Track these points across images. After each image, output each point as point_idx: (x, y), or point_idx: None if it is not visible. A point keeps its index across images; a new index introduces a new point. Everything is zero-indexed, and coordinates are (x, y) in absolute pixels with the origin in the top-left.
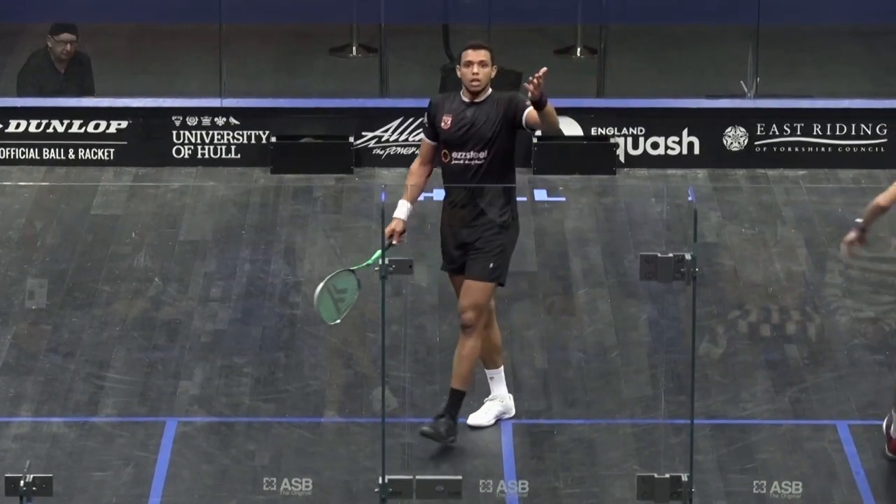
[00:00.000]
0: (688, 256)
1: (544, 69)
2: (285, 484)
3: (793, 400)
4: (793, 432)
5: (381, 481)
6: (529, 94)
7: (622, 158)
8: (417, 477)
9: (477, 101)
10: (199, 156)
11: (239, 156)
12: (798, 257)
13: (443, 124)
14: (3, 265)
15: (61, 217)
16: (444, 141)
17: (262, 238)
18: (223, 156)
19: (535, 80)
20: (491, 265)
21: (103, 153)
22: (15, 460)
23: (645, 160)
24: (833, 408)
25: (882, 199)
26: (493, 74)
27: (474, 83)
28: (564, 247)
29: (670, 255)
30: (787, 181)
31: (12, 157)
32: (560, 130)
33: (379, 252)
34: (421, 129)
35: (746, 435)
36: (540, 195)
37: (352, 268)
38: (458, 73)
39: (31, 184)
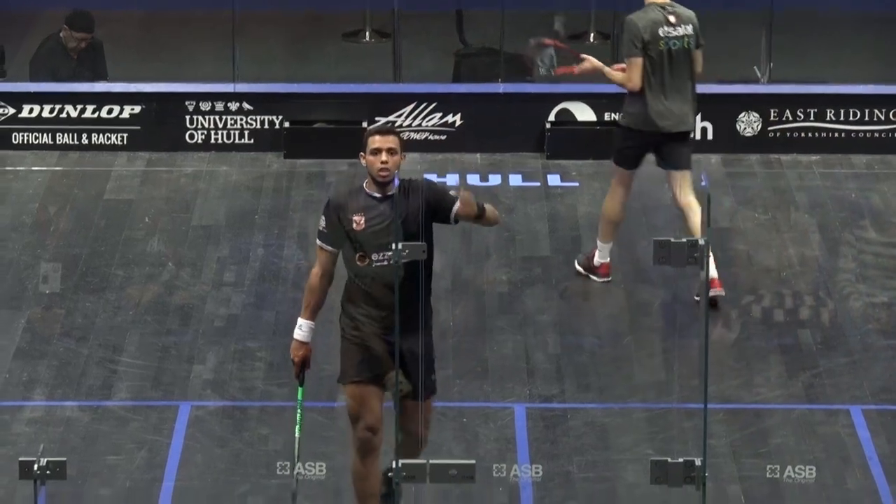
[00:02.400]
0: (701, 241)
1: (466, 192)
2: (299, 468)
3: (806, 385)
4: (806, 417)
5: (394, 465)
6: (462, 214)
7: None
8: (431, 461)
9: (388, 193)
10: (213, 141)
11: (252, 141)
12: (811, 242)
13: (354, 225)
14: (17, 250)
15: (75, 202)
16: (359, 243)
17: (275, 223)
18: (236, 141)
19: (464, 203)
20: (433, 377)
21: (116, 138)
22: (28, 444)
23: None
24: (846, 392)
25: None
26: (401, 162)
27: (382, 173)
28: (577, 231)
29: (683, 240)
30: (801, 166)
31: (26, 142)
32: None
33: (300, 392)
34: (318, 236)
35: (760, 419)
36: (553, 180)
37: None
38: (362, 161)
39: (45, 169)
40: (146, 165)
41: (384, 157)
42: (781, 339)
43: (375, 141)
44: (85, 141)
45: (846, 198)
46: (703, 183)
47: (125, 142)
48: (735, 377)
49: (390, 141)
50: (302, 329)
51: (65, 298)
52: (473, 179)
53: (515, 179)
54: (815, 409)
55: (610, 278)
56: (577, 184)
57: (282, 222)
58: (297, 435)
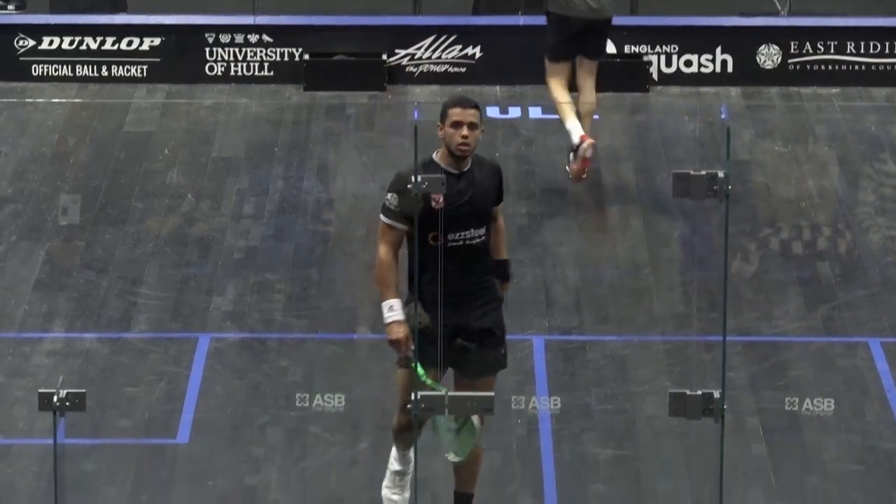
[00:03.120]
0: (720, 174)
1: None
2: (318, 400)
3: (825, 317)
4: (825, 350)
5: (413, 397)
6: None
7: (655, 76)
8: (450, 394)
9: (464, 169)
10: (232, 73)
11: (272, 73)
12: (830, 175)
13: (433, 203)
14: (37, 181)
15: (94, 134)
16: (431, 221)
17: (294, 155)
18: (256, 73)
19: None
20: (503, 350)
21: (136, 70)
22: (48, 376)
23: (678, 78)
24: (865, 325)
25: None
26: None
27: (462, 147)
28: (598, 164)
29: (703, 172)
30: (821, 99)
31: (45, 74)
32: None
33: (419, 367)
34: (385, 213)
35: (778, 352)
36: None
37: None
38: (440, 133)
39: (64, 101)
40: (166, 97)
41: (465, 131)
42: (800, 271)
43: (456, 114)
44: (105, 73)
45: (866, 130)
46: (723, 115)
47: (145, 74)
48: (754, 310)
49: (471, 115)
50: (394, 309)
51: (84, 230)
52: (493, 112)
53: (535, 112)
54: (834, 341)
55: (593, 141)
56: (597, 117)
57: (301, 154)
58: (476, 425)
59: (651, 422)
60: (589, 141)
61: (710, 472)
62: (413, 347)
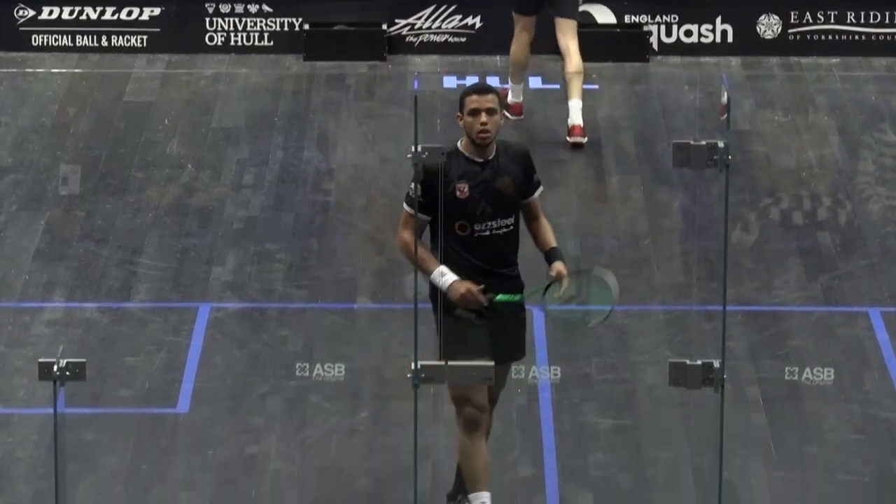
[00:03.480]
0: (720, 144)
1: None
2: (318, 369)
3: (825, 287)
4: (825, 319)
5: (413, 367)
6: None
7: (655, 46)
8: (450, 363)
9: (489, 157)
10: (232, 43)
11: (272, 43)
12: (831, 145)
13: (458, 193)
14: (37, 151)
15: (94, 104)
16: (461, 211)
17: (294, 125)
18: (256, 43)
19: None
20: (523, 338)
21: (136, 40)
22: (48, 345)
23: (678, 48)
24: (865, 295)
25: None
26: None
27: (482, 135)
28: (597, 134)
29: (703, 142)
30: (821, 69)
31: (46, 44)
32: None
33: (500, 296)
34: (408, 202)
35: (778, 322)
36: None
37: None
38: (460, 123)
39: (64, 70)
40: (166, 67)
41: (483, 118)
42: (800, 241)
43: (473, 101)
44: (105, 43)
45: (866, 100)
46: (724, 85)
47: (145, 44)
48: (754, 280)
49: (489, 100)
50: (445, 273)
51: (84, 200)
52: (493, 81)
53: (535, 82)
54: (834, 311)
55: (522, 117)
56: (596, 87)
57: (301, 124)
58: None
59: (651, 391)
60: (580, 138)
61: (710, 442)
62: (480, 297)
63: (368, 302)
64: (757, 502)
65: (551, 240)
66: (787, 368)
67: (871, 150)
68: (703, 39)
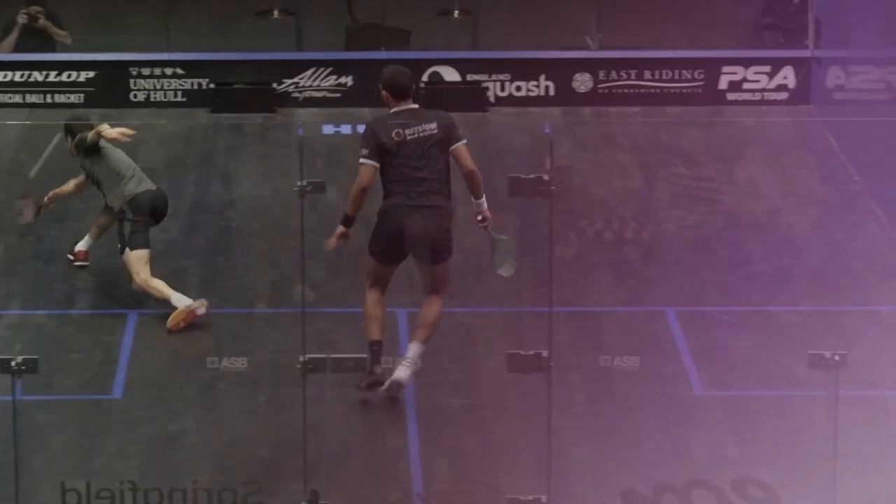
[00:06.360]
0: (545, 177)
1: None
2: (225, 362)
3: (630, 291)
4: (631, 317)
5: (301, 359)
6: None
7: (492, 99)
8: (331, 356)
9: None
10: (152, 99)
11: (185, 99)
12: (633, 177)
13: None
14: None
15: (42, 150)
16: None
17: (203, 165)
18: (171, 99)
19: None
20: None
21: (75, 97)
22: (6, 345)
23: (510, 100)
24: (662, 297)
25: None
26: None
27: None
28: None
29: (532, 176)
30: (625, 116)
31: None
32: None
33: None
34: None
35: (594, 319)
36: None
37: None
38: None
39: (16, 123)
40: (98, 119)
41: None
42: (610, 254)
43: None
44: (49, 100)
45: (661, 141)
46: (547, 130)
47: (82, 100)
48: (574, 285)
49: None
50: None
51: (36, 228)
52: (362, 128)
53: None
54: (638, 310)
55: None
56: None
57: (209, 164)
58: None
59: (493, 376)
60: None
61: (542, 416)
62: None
63: (265, 307)
64: (584, 469)
65: None
66: (601, 357)
67: (665, 182)
68: (530, 93)
